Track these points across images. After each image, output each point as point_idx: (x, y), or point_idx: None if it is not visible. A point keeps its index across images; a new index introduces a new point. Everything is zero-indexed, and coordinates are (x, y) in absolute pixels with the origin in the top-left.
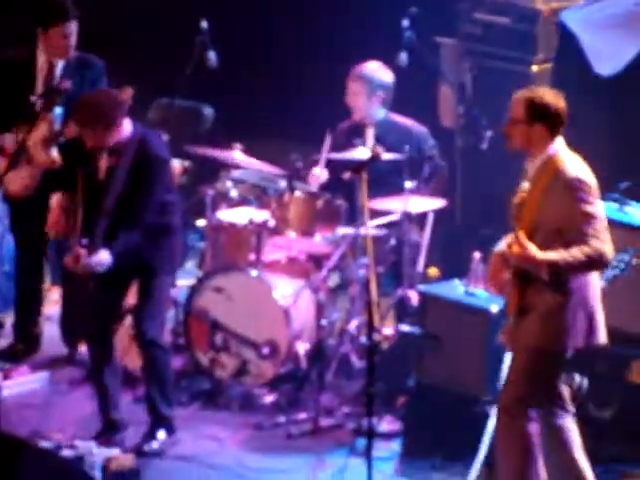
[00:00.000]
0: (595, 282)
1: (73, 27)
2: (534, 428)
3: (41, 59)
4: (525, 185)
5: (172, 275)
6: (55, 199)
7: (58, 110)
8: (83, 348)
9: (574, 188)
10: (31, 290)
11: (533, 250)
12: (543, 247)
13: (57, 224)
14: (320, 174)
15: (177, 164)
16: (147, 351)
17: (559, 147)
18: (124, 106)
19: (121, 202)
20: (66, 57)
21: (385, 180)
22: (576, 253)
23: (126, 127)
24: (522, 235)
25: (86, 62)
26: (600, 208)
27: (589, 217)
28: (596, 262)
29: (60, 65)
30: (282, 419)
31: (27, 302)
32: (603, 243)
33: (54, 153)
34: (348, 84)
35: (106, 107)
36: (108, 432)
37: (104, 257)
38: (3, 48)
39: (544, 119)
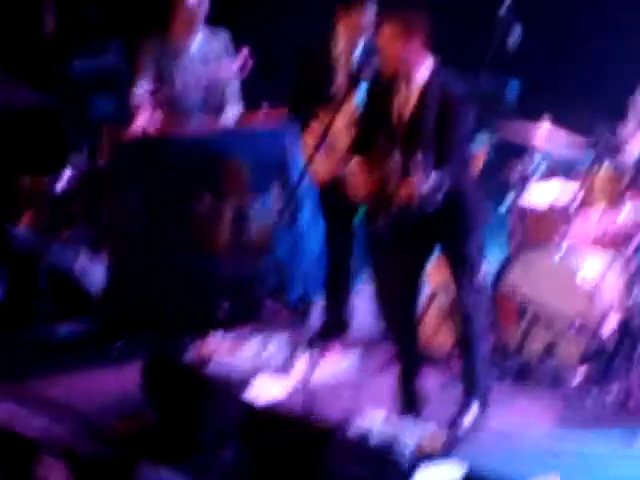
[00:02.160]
0: None
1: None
2: None
3: (341, 43)
4: None
5: (475, 234)
6: (352, 164)
7: (362, 87)
8: None
9: None
10: (342, 268)
11: None
12: None
13: (366, 185)
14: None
15: (482, 147)
16: (468, 310)
17: None
18: (427, 25)
19: (433, 140)
20: (365, 36)
21: None
22: None
23: (428, 63)
24: None
25: None
26: None
27: None
28: None
29: (360, 45)
30: (594, 393)
31: (338, 280)
32: None
33: None
34: None
35: (413, 12)
36: (409, 409)
37: (434, 180)
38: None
39: None
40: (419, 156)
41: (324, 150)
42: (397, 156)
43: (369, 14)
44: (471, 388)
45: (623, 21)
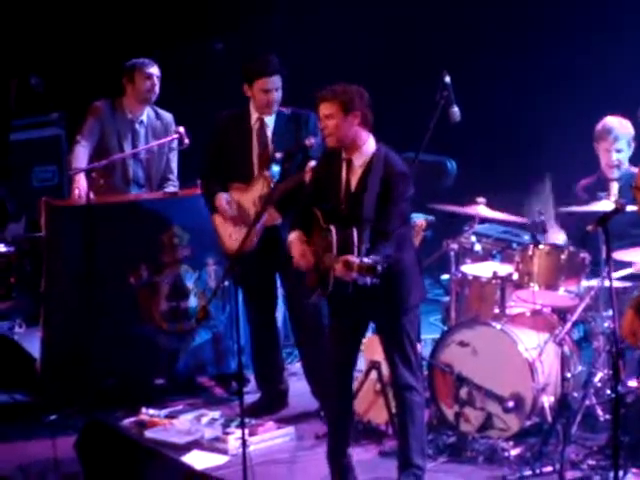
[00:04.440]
0: None
1: (276, 82)
2: None
3: (253, 116)
4: None
5: (412, 312)
6: (293, 236)
7: (275, 168)
8: None
9: None
10: (267, 346)
11: None
12: None
13: (304, 256)
14: None
15: (421, 219)
16: (403, 395)
17: None
18: (366, 102)
19: (373, 216)
20: (270, 113)
21: (629, 232)
22: None
23: (371, 143)
24: None
25: (298, 118)
26: None
27: None
28: None
29: (271, 121)
30: (528, 472)
31: (265, 358)
32: None
33: (271, 210)
34: (594, 143)
35: (351, 89)
36: None
37: (368, 260)
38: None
39: None
40: (354, 232)
41: (236, 223)
42: (336, 230)
43: (272, 90)
44: (404, 467)
45: (555, 104)
